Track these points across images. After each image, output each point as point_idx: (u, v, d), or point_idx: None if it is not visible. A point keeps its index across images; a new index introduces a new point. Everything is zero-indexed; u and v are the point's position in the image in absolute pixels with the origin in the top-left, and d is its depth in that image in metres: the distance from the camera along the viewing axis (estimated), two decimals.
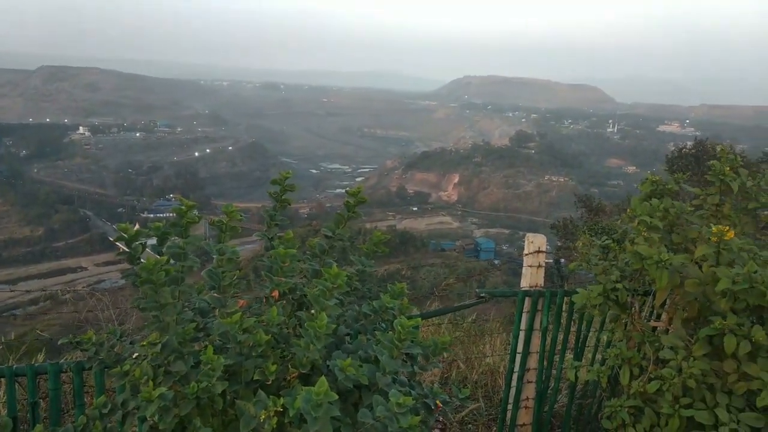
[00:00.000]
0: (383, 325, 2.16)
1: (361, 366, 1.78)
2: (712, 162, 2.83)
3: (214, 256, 1.95)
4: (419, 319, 1.86)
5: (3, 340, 4.82)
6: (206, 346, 1.73)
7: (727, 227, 2.39)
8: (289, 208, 2.42)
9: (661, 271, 2.44)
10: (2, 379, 2.92)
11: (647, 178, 2.86)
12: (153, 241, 2.10)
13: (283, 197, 2.31)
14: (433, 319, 5.10)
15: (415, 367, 1.95)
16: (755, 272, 2.37)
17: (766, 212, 2.95)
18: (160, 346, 1.77)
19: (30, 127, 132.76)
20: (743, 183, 2.80)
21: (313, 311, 1.83)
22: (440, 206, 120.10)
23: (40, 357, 4.33)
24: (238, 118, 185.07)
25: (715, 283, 2.39)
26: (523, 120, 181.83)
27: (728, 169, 2.78)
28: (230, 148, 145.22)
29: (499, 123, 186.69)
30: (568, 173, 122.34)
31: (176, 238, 1.98)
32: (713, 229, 2.41)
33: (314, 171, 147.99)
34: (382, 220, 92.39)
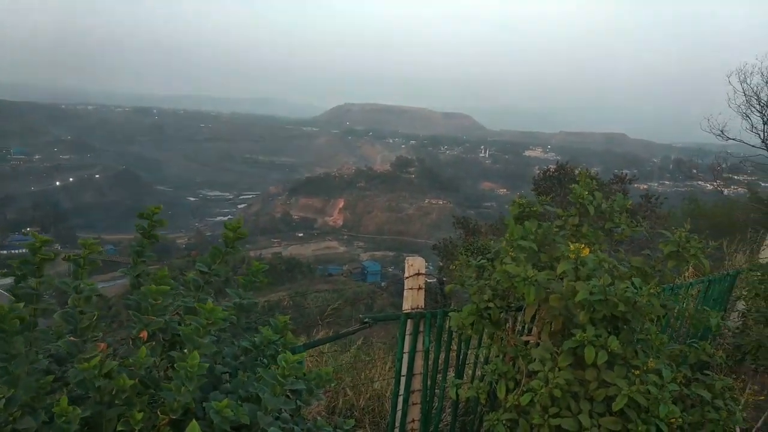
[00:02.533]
0: (265, 360, 2.08)
1: (241, 405, 1.70)
2: (573, 186, 3.11)
3: (71, 296, 1.77)
4: (304, 353, 1.82)
5: None
6: (61, 398, 1.56)
7: (583, 245, 2.63)
8: (165, 238, 2.27)
9: (528, 288, 2.62)
10: None
11: (515, 201, 3.08)
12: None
13: (151, 233, 2.16)
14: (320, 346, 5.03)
15: (298, 402, 1.90)
16: (610, 285, 2.61)
17: (619, 230, 3.27)
18: (3, 401, 1.56)
19: None
20: (599, 205, 3.11)
21: (185, 350, 1.72)
22: (326, 231, 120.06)
23: None
24: (107, 144, 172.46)
25: (575, 297, 2.61)
26: (403, 146, 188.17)
27: (586, 193, 3.07)
28: (97, 176, 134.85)
29: (380, 149, 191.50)
30: (446, 196, 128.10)
31: (29, 277, 1.78)
32: (571, 247, 2.63)
33: (192, 199, 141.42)
34: (267, 248, 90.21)
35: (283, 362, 1.73)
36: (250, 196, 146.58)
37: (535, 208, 3.04)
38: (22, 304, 1.67)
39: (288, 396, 1.93)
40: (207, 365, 1.67)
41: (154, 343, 1.91)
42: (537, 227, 2.95)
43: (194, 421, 1.49)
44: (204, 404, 1.71)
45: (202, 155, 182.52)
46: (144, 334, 1.88)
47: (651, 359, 2.70)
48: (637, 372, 2.64)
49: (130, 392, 1.65)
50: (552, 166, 22.63)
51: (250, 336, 2.04)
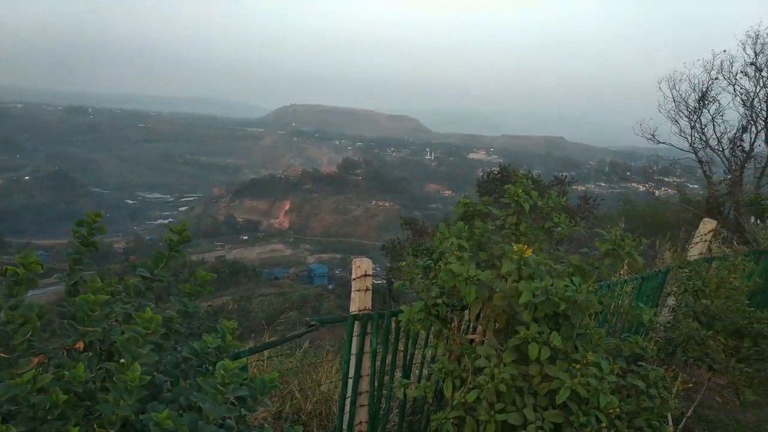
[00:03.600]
0: (208, 367, 2.03)
1: (181, 416, 1.65)
2: (507, 186, 3.20)
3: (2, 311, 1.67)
4: (245, 359, 1.78)
5: None
6: None
7: (526, 246, 2.70)
8: (101, 243, 2.17)
9: (470, 287, 2.67)
10: None
11: (460, 201, 3.13)
12: None
13: (91, 240, 2.06)
14: (266, 351, 4.95)
15: (242, 409, 1.86)
16: (551, 285, 2.70)
17: (559, 229, 3.39)
18: None
19: None
20: (534, 203, 3.20)
21: (123, 361, 1.65)
22: (272, 234, 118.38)
23: None
24: (38, 144, 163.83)
25: (519, 297, 2.68)
26: (350, 148, 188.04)
27: (521, 191, 3.16)
28: (27, 177, 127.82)
29: (326, 150, 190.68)
30: (393, 198, 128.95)
31: None
32: (514, 247, 2.71)
33: (130, 201, 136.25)
34: (210, 251, 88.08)
35: (221, 369, 1.69)
36: (192, 199, 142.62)
37: (479, 208, 3.10)
38: None
39: (233, 403, 1.88)
40: (148, 378, 1.61)
41: (90, 353, 1.82)
42: (477, 227, 3.01)
43: None
44: (142, 416, 1.65)
45: (140, 156, 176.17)
46: (80, 345, 1.79)
47: (590, 353, 2.81)
48: (578, 366, 2.74)
49: (65, 407, 1.57)
50: (495, 169, 23.15)
51: (192, 343, 1.98)
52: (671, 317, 4.97)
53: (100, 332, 1.78)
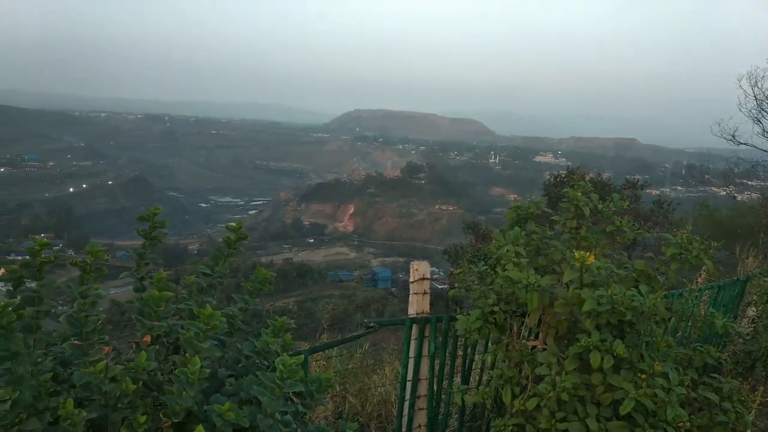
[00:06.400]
0: (266, 363, 2.10)
1: (241, 408, 1.71)
2: (565, 190, 3.10)
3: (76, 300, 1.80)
4: (301, 356, 1.82)
5: None
6: (67, 400, 1.58)
7: (588, 252, 2.61)
8: (177, 245, 2.29)
9: (531, 294, 2.61)
10: None
11: (513, 205, 3.07)
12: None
13: (153, 234, 2.19)
14: (327, 351, 5.04)
15: (299, 405, 1.90)
16: (616, 293, 2.59)
17: (622, 233, 3.25)
18: (10, 402, 1.59)
19: None
20: (595, 207, 3.09)
21: (187, 354, 1.74)
22: (337, 237, 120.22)
23: None
24: (119, 151, 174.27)
25: (581, 304, 2.59)
26: (413, 152, 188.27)
27: (579, 194, 3.05)
28: (110, 182, 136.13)
29: (390, 155, 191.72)
30: (456, 202, 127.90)
31: (31, 281, 1.81)
32: (575, 254, 2.62)
33: (204, 205, 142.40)
34: (278, 253, 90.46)
35: (280, 365, 1.74)
36: (261, 202, 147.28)
37: (532, 211, 3.02)
38: (17, 300, 1.70)
39: (292, 399, 1.94)
40: (208, 370, 1.68)
41: (157, 346, 1.93)
42: (535, 232, 2.94)
43: (200, 425, 1.51)
44: (205, 407, 1.72)
45: (213, 162, 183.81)
46: (147, 339, 1.90)
47: (657, 362, 2.68)
48: (644, 375, 2.62)
49: (134, 396, 1.67)
50: (563, 172, 22.50)
51: (251, 342, 2.05)
52: (751, 328, 4.66)
53: (165, 326, 1.88)
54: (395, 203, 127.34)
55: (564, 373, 2.74)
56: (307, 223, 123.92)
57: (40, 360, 1.77)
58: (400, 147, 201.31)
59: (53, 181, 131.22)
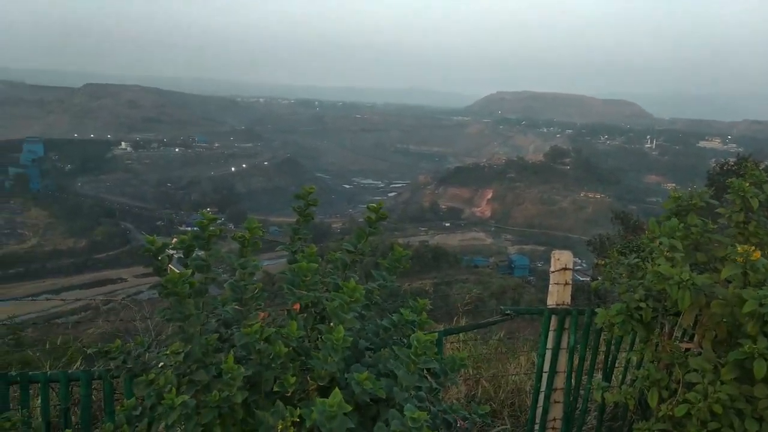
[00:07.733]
0: (403, 339, 2.18)
1: (378, 380, 1.81)
2: (730, 180, 2.76)
3: (237, 271, 2.01)
4: (436, 334, 1.87)
5: (45, 348, 4.98)
6: (228, 357, 1.79)
7: (753, 247, 2.33)
8: (322, 223, 2.47)
9: (684, 292, 2.39)
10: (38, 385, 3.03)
11: (671, 195, 2.81)
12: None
13: (306, 212, 2.37)
14: (462, 335, 5.08)
15: (432, 382, 1.96)
16: None
17: None
18: (183, 355, 1.83)
19: (75, 142, 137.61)
20: (766, 198, 2.72)
21: (332, 324, 1.87)
22: (473, 222, 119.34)
23: (79, 365, 4.46)
24: (274, 134, 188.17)
25: (742, 305, 2.33)
26: (558, 135, 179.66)
27: (748, 185, 2.70)
28: (266, 163, 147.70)
29: (533, 138, 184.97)
30: (604, 190, 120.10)
31: (200, 250, 2.06)
32: (738, 249, 2.35)
33: (347, 186, 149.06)
34: (415, 236, 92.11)
35: (415, 341, 1.80)
36: (400, 185, 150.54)
37: (694, 202, 2.73)
38: (190, 271, 1.94)
39: (426, 376, 2.00)
40: (351, 339, 1.80)
41: (306, 315, 2.09)
42: (693, 224, 2.66)
43: (337, 389, 1.62)
44: (346, 375, 1.84)
45: (357, 145, 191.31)
46: (297, 307, 2.07)
47: None
48: None
49: (285, 358, 1.84)
50: (732, 159, 20.05)
51: (389, 316, 2.14)
52: None
53: (313, 296, 2.03)
54: (536, 189, 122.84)
55: (720, 382, 2.50)
56: (444, 206, 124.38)
57: (206, 321, 2.02)
58: (545, 130, 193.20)
59: (218, 160, 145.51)
